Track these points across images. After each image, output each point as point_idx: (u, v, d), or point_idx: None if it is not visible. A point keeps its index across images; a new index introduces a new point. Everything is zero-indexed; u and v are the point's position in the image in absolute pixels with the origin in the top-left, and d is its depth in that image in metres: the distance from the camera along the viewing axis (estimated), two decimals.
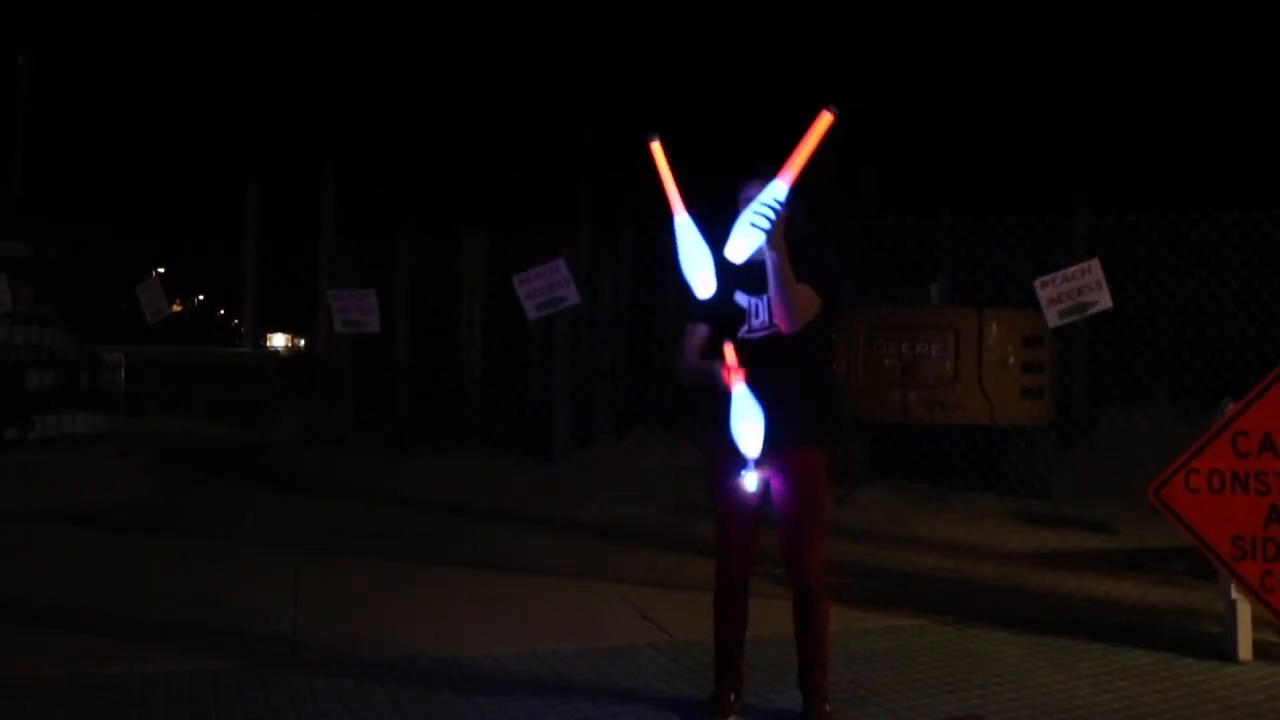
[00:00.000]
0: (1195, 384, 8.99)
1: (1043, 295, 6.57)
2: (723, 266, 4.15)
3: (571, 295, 7.91)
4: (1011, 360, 10.49)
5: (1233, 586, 5.11)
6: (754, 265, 4.10)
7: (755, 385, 3.97)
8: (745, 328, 4.15)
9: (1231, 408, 5.20)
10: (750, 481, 4.04)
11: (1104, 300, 6.49)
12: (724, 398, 4.02)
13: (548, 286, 7.88)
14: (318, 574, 6.70)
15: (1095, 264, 6.51)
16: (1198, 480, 5.15)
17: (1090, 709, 4.46)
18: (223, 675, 4.74)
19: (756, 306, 4.15)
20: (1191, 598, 6.24)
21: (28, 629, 5.40)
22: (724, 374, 3.98)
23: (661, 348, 12.74)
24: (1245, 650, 5.11)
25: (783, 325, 4.02)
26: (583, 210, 13.79)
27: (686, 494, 9.68)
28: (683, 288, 4.22)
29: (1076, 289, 6.51)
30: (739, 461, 4.02)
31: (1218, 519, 5.09)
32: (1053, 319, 6.64)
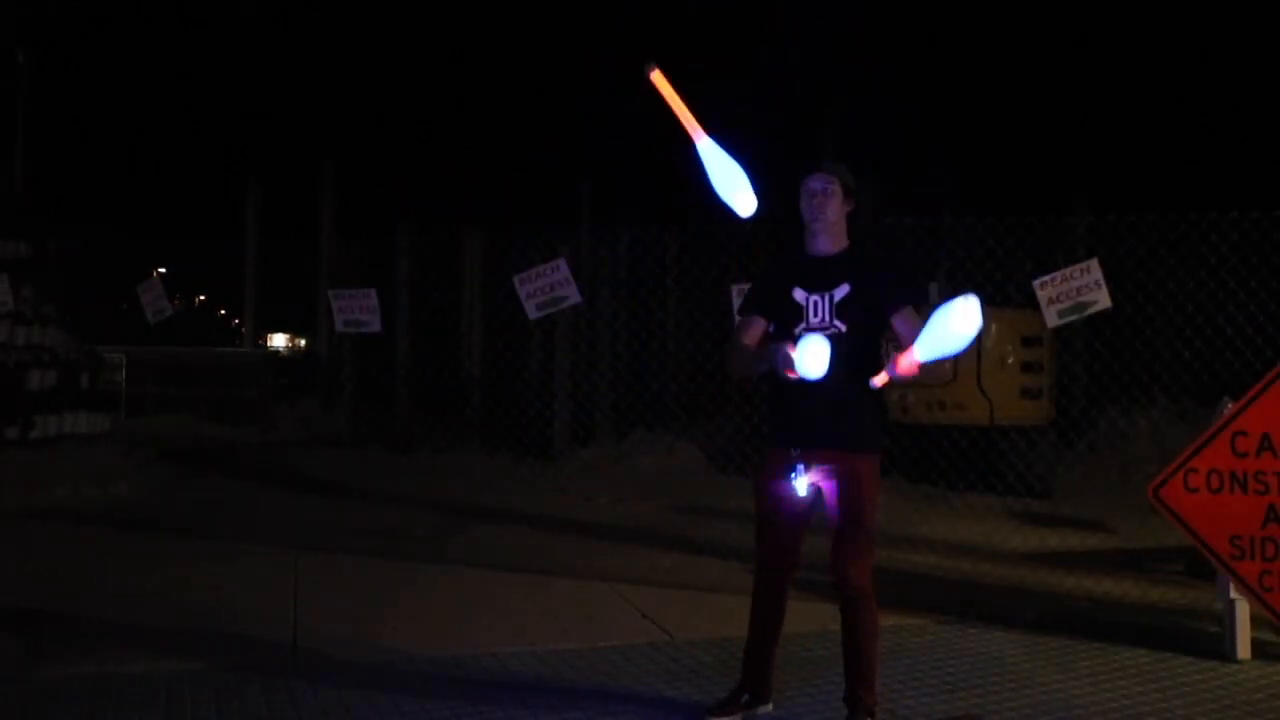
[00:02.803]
0: (1194, 384, 9.00)
1: (1042, 295, 6.56)
2: (780, 262, 4.14)
3: (572, 295, 7.91)
4: (1011, 360, 10.53)
5: (1231, 586, 5.13)
6: (813, 260, 4.10)
7: (813, 386, 3.85)
8: (803, 325, 4.02)
9: (1230, 408, 5.21)
10: (801, 485, 3.98)
11: (1103, 300, 6.49)
12: (781, 393, 3.99)
13: (548, 286, 7.88)
14: (318, 573, 6.71)
15: (1094, 264, 6.50)
16: (1196, 480, 5.16)
17: (1089, 708, 4.47)
18: (224, 675, 4.75)
19: (816, 304, 4.03)
20: (1190, 597, 6.26)
21: (28, 629, 5.41)
22: (782, 359, 3.79)
23: (661, 347, 12.75)
24: (1244, 649, 5.13)
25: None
26: (583, 210, 13.82)
27: (686, 494, 9.71)
28: (750, 283, 4.18)
29: (1075, 289, 6.50)
30: (789, 464, 3.98)
31: (1216, 519, 5.10)
32: (1052, 319, 6.63)
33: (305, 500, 9.60)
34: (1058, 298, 6.53)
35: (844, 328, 3.98)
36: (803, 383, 3.83)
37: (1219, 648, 5.21)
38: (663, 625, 5.62)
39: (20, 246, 11.18)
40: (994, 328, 10.49)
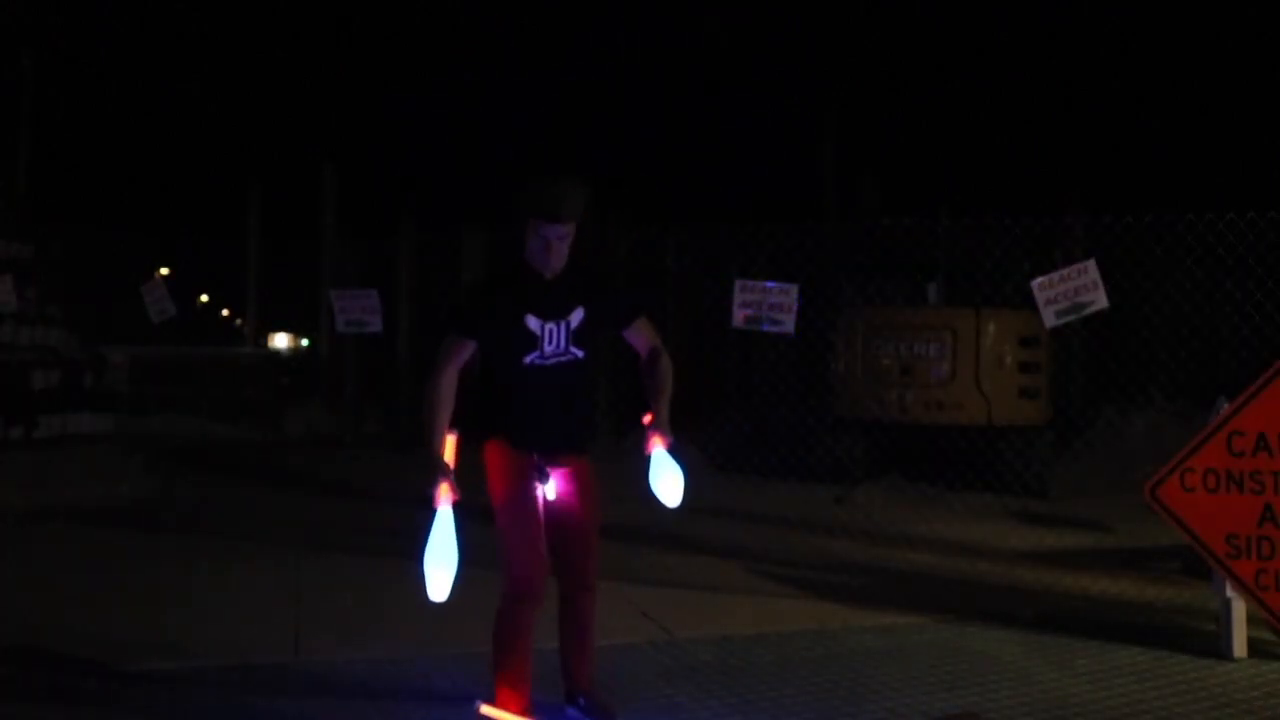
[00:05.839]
0: (1191, 384, 9.03)
1: (1039, 296, 6.59)
2: (514, 288, 3.93)
3: None
4: (1008, 360, 10.57)
5: (1228, 585, 5.16)
6: (544, 283, 3.94)
7: (549, 406, 3.96)
8: (536, 354, 3.92)
9: (1226, 407, 5.25)
10: (552, 489, 4.06)
11: (1100, 300, 6.52)
12: (513, 398, 3.99)
13: None
14: (320, 572, 6.75)
15: (1091, 264, 6.52)
16: (1193, 479, 5.20)
17: (1086, 706, 4.51)
18: (226, 673, 4.79)
19: (551, 332, 3.92)
20: (1187, 596, 6.29)
21: (30, 628, 5.45)
22: (439, 485, 3.99)
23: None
24: (1240, 648, 5.16)
25: None
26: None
27: (686, 494, 9.72)
28: (461, 301, 4.19)
29: (1073, 289, 6.53)
30: (537, 468, 4.02)
31: (1213, 518, 5.14)
32: (1049, 319, 6.66)
33: (307, 499, 9.63)
34: (1055, 298, 6.56)
35: (581, 354, 3.99)
36: (540, 398, 3.95)
37: (1215, 646, 5.24)
38: (662, 624, 5.66)
39: (24, 247, 11.22)
40: (992, 328, 10.53)
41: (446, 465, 4.02)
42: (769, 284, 7.40)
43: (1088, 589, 6.51)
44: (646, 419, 4.07)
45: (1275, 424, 5.09)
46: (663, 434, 4.01)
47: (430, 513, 3.99)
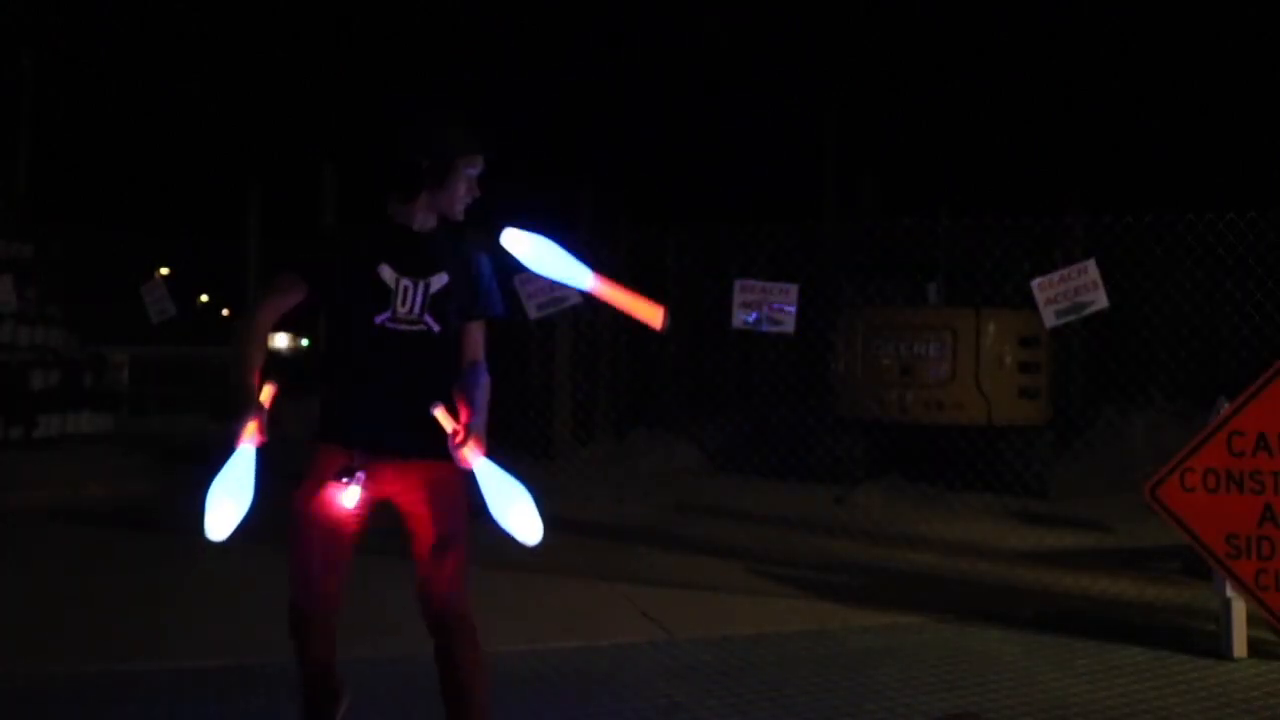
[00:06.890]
0: (1191, 384, 9.04)
1: (1039, 295, 6.59)
2: (371, 237, 3.34)
3: (572, 295, 7.94)
4: (1008, 360, 10.57)
5: (1228, 585, 5.16)
6: (407, 234, 3.34)
7: (388, 390, 3.29)
8: (387, 314, 3.26)
9: (1226, 407, 5.25)
10: (351, 497, 3.37)
11: (1100, 300, 6.52)
12: (353, 373, 3.37)
13: (549, 286, 7.89)
14: None
15: (1091, 264, 6.53)
16: (1193, 479, 5.20)
17: (1086, 706, 4.51)
18: (226, 672, 4.79)
19: (407, 289, 3.27)
20: (1187, 596, 6.29)
21: (31, 627, 5.45)
22: (246, 422, 3.28)
23: (661, 347, 12.79)
24: (1240, 648, 5.17)
25: None
26: (582, 210, 13.85)
27: (686, 494, 9.74)
28: (317, 239, 3.55)
29: (1073, 289, 6.53)
30: (347, 469, 3.35)
31: (1213, 518, 5.14)
32: (1049, 319, 6.66)
33: None
34: (1055, 298, 6.56)
35: (436, 327, 3.30)
36: (381, 376, 3.30)
37: (1215, 646, 5.24)
38: (662, 624, 5.66)
39: (24, 247, 11.23)
40: (992, 328, 10.54)
41: (260, 404, 3.36)
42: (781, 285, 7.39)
43: (1088, 589, 6.51)
44: (452, 428, 3.24)
45: (1275, 424, 5.10)
46: (477, 437, 3.25)
47: (229, 452, 3.33)
